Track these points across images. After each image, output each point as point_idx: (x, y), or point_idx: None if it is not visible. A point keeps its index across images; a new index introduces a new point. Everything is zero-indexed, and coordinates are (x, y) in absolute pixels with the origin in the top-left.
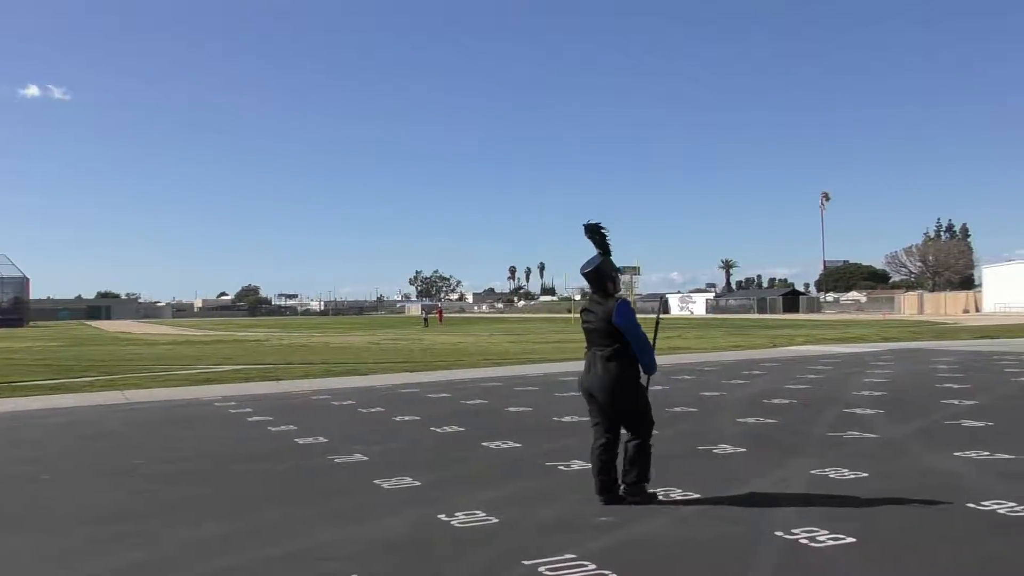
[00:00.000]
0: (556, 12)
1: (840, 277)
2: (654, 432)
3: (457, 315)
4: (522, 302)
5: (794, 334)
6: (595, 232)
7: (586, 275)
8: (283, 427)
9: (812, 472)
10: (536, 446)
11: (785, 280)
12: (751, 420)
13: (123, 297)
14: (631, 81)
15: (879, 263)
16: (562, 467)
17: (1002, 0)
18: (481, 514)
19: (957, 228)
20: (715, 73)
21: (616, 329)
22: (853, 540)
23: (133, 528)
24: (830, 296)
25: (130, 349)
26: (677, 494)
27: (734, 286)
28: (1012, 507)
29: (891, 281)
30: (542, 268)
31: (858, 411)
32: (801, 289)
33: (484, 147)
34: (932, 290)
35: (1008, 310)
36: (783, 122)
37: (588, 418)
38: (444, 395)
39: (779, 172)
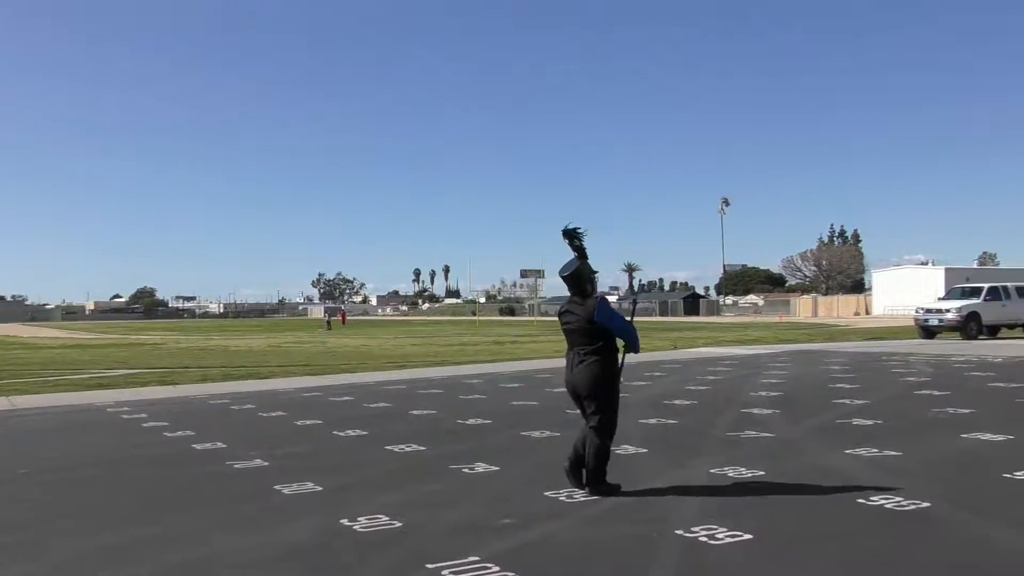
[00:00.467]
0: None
1: (739, 280)
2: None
3: (361, 318)
4: (427, 305)
5: (695, 336)
6: (572, 236)
7: (565, 278)
8: (180, 433)
9: (712, 471)
10: (440, 449)
11: (686, 283)
12: (653, 421)
13: (8, 299)
14: (540, 84)
15: (776, 267)
16: (466, 470)
17: (887, 9)
18: (384, 518)
19: (849, 234)
20: (616, 77)
21: (597, 328)
22: (750, 536)
23: (20, 538)
24: (729, 299)
25: (16, 353)
26: (580, 495)
27: (636, 289)
28: (899, 501)
29: (787, 284)
30: (447, 271)
31: (755, 411)
32: (702, 292)
33: (387, 149)
34: (826, 293)
35: (895, 312)
36: (685, 127)
37: (491, 420)
38: (347, 398)
39: (681, 177)
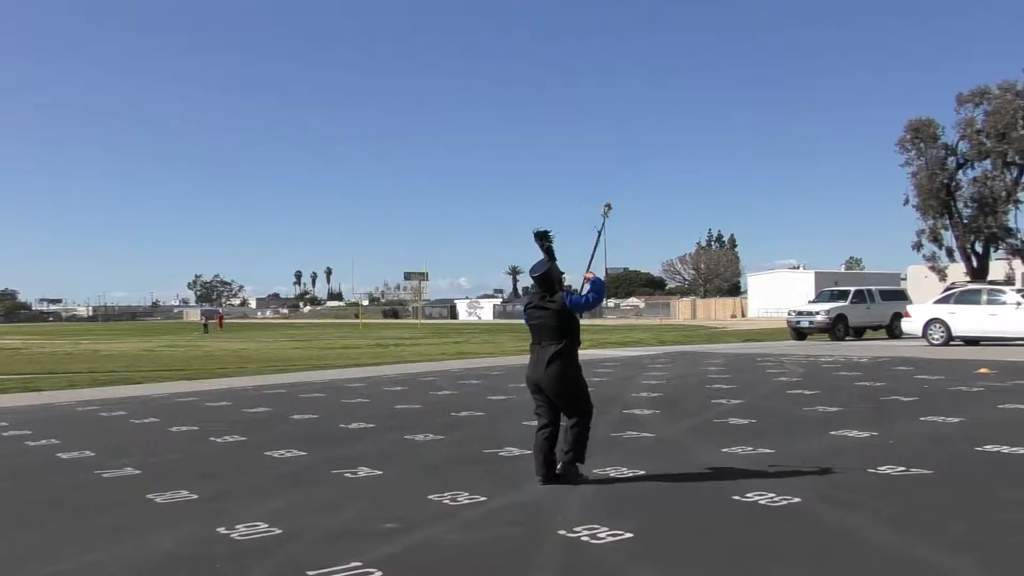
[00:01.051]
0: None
1: (621, 283)
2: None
3: (240, 321)
4: (308, 307)
5: None
6: (543, 238)
7: (536, 278)
8: (44, 441)
9: (594, 471)
10: (321, 454)
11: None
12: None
13: None
14: (428, 81)
15: (657, 270)
16: (348, 475)
17: (767, 11)
18: (263, 525)
19: (726, 238)
20: (498, 81)
21: (565, 324)
22: (631, 535)
23: None
24: (612, 302)
25: None
26: (464, 498)
27: (520, 292)
28: (772, 498)
29: (667, 287)
30: (329, 273)
31: (637, 412)
32: None
33: (265, 148)
34: (704, 296)
35: (769, 315)
36: (569, 131)
37: (374, 424)
38: (225, 403)
39: (563, 181)
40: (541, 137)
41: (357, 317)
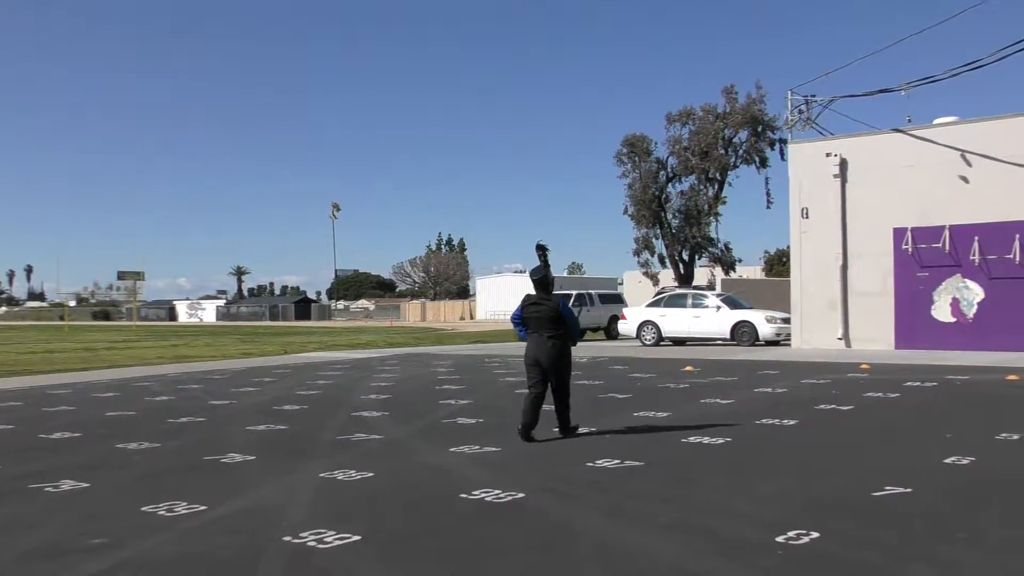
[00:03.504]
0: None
1: (351, 286)
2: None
3: None
4: (4, 308)
5: (306, 341)
6: (543, 250)
7: (536, 281)
8: None
9: (322, 475)
10: (18, 467)
11: (298, 288)
12: (262, 427)
13: None
14: (130, 83)
15: (387, 273)
16: (50, 488)
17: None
18: None
19: (456, 242)
20: (234, 82)
21: (560, 317)
22: (359, 538)
23: None
24: (341, 304)
25: None
26: (182, 508)
27: (246, 293)
28: (498, 494)
29: (398, 290)
30: (29, 271)
31: (366, 414)
32: (313, 297)
33: None
34: (434, 299)
35: (497, 317)
36: (296, 134)
37: (80, 433)
38: None
39: (292, 182)
40: (267, 139)
41: (63, 319)
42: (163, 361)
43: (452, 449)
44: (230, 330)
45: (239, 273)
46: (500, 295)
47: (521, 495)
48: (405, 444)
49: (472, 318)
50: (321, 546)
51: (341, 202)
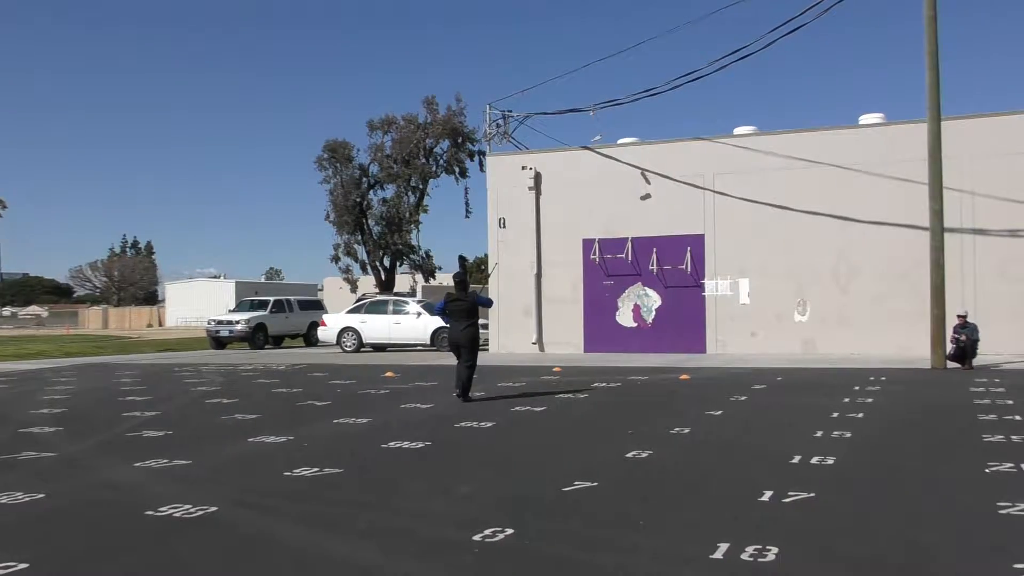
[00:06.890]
0: None
1: (20, 290)
2: None
3: None
4: None
5: None
6: (463, 260)
7: (458, 282)
8: None
9: None
10: None
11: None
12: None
13: None
14: None
15: (63, 277)
16: None
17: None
18: None
19: (143, 245)
20: None
21: (473, 310)
22: (26, 566)
23: None
24: (7, 310)
25: None
26: None
27: None
28: (188, 509)
29: (76, 295)
30: None
31: (35, 430)
32: None
33: None
34: (118, 305)
35: (189, 324)
36: None
37: None
38: None
39: None
40: None
41: None
42: None
43: (137, 464)
44: None
45: None
46: (193, 301)
47: (214, 508)
48: (83, 461)
49: (161, 325)
50: None
51: (7, 197)
